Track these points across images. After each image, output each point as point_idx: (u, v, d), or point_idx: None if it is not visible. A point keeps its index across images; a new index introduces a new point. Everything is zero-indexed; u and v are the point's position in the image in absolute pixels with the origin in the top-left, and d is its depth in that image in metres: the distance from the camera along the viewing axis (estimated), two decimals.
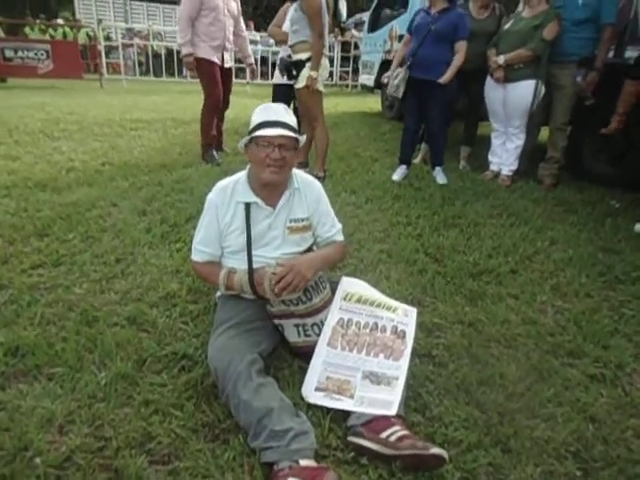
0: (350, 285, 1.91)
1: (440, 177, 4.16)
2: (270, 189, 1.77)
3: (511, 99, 3.98)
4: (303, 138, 1.78)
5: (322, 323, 1.78)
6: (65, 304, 2.06)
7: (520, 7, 4.74)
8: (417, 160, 4.81)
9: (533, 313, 2.25)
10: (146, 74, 13.23)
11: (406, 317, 1.83)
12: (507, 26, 4.00)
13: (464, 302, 2.31)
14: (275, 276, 1.65)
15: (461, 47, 3.79)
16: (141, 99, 8.67)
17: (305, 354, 1.78)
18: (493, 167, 4.39)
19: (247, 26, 15.43)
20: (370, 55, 8.01)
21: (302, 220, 1.85)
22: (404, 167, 4.28)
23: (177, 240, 2.70)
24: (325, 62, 3.61)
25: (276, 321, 1.81)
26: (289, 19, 3.56)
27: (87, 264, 2.39)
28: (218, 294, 1.97)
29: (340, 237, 1.95)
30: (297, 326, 1.79)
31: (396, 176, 4.20)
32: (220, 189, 1.80)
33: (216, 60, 4.27)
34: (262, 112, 1.73)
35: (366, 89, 8.66)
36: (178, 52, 14.06)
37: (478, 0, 4.23)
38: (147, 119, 6.29)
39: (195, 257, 1.84)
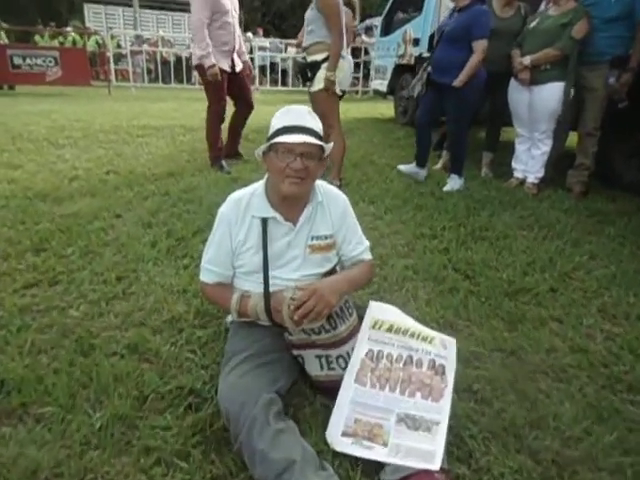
0: (379, 311, 1.67)
1: (449, 185, 3.90)
2: (290, 203, 1.56)
3: (537, 102, 3.75)
4: (329, 146, 1.56)
5: (349, 355, 1.55)
6: (59, 329, 1.85)
7: (542, 6, 4.54)
8: (438, 166, 4.59)
9: (581, 339, 2.01)
10: (155, 81, 13.14)
11: (444, 349, 1.59)
12: (532, 25, 3.77)
13: (502, 326, 2.07)
14: (295, 302, 1.43)
15: (478, 46, 3.49)
16: (149, 106, 8.53)
17: (329, 390, 1.55)
18: (517, 174, 4.15)
19: (255, 33, 15.37)
20: (383, 60, 7.81)
21: (325, 238, 1.63)
22: (413, 166, 4.18)
23: (184, 255, 2.49)
24: (343, 64, 3.40)
25: (295, 352, 1.58)
26: (305, 18, 3.36)
27: (85, 283, 2.18)
28: (229, 319, 1.76)
29: (368, 256, 1.73)
30: (319, 358, 1.57)
31: (402, 167, 4.16)
32: (233, 202, 1.59)
33: (226, 67, 4.01)
34: (283, 116, 1.51)
35: (379, 94, 8.46)
36: (187, 59, 14.11)
37: None
38: (155, 126, 6.12)
39: (204, 278, 1.63)
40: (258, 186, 1.61)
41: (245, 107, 4.43)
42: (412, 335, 1.61)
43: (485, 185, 4.06)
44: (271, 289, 1.53)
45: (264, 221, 1.55)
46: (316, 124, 1.52)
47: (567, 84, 3.64)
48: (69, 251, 2.47)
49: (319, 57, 3.36)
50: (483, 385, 1.70)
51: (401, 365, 1.54)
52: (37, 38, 13.87)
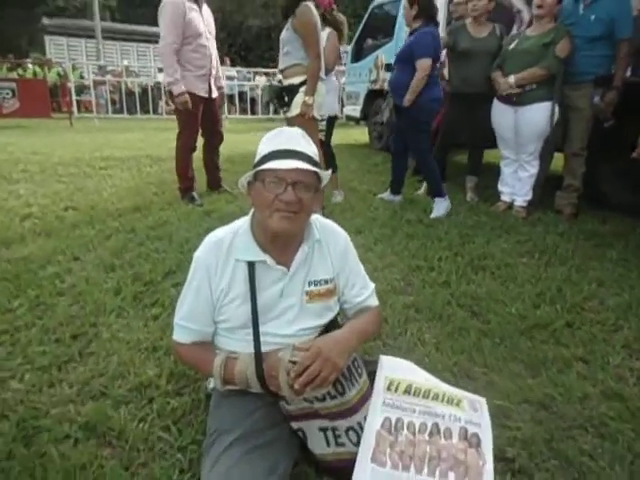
0: (393, 367, 1.39)
1: (435, 210, 3.74)
2: (282, 242, 1.28)
3: (524, 124, 3.62)
4: (327, 174, 1.29)
5: (361, 427, 1.26)
6: None
7: (514, 29, 4.52)
8: (421, 192, 4.42)
9: (612, 382, 1.77)
10: (119, 112, 12.77)
11: (475, 412, 1.31)
12: (512, 46, 3.69)
13: (524, 371, 1.82)
14: (295, 367, 1.14)
15: (420, 65, 3.51)
16: (113, 137, 8.17)
17: (338, 471, 1.27)
18: (505, 197, 3.99)
19: (223, 62, 15.35)
20: (355, 86, 7.73)
21: (325, 282, 1.36)
22: (387, 193, 4.19)
23: (153, 303, 2.16)
24: (321, 87, 3.19)
25: (295, 424, 1.28)
26: (281, 39, 3.15)
27: (34, 343, 1.82)
28: (211, 384, 1.44)
29: (374, 301, 1.47)
30: (325, 431, 1.27)
31: (381, 195, 4.18)
32: (212, 244, 1.30)
33: (202, 93, 3.74)
34: (272, 139, 1.25)
35: (351, 120, 8.36)
36: (152, 89, 13.84)
37: (472, 16, 3.94)
38: (119, 157, 5.77)
39: (178, 337, 1.32)
40: (242, 223, 1.33)
41: (215, 137, 4.14)
42: (435, 397, 1.33)
43: (473, 210, 3.88)
44: (263, 348, 1.25)
45: (251, 265, 1.27)
46: (311, 149, 1.25)
47: (554, 103, 3.53)
48: (15, 304, 2.10)
49: (296, 80, 3.14)
50: (518, 450, 1.43)
51: (426, 436, 1.25)
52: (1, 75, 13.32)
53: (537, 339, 2.03)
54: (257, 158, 1.25)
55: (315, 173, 1.22)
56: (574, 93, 3.55)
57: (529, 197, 3.84)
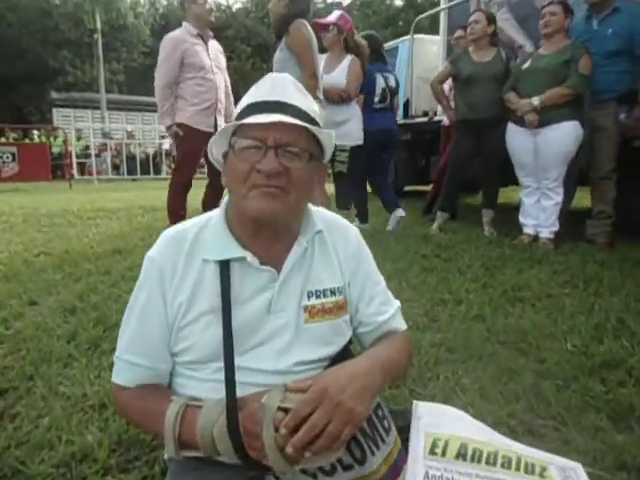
0: (434, 419, 0.93)
1: (391, 222, 3.94)
2: (267, 235, 0.88)
3: (546, 146, 3.28)
4: (329, 135, 0.88)
5: None
6: None
7: (525, 51, 4.33)
8: (434, 227, 4.03)
9: None
10: (120, 174, 12.79)
11: None
12: (526, 65, 3.43)
13: (606, 423, 1.33)
14: (288, 417, 0.72)
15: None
16: (110, 194, 7.96)
17: None
18: (528, 230, 3.58)
19: None
20: None
21: (332, 293, 0.93)
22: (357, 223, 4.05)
23: (112, 350, 1.68)
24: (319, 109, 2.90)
25: None
26: (274, 61, 2.90)
27: None
28: (167, 456, 0.96)
29: (401, 323, 1.03)
30: None
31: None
32: (169, 239, 0.89)
33: (204, 127, 3.44)
34: (254, 90, 0.89)
35: None
36: (155, 155, 13.96)
37: (472, 41, 3.80)
38: (110, 208, 5.47)
39: (118, 378, 0.89)
40: (212, 214, 0.93)
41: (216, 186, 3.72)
42: (506, 463, 0.86)
43: (494, 243, 3.46)
44: (240, 391, 0.80)
45: (224, 266, 0.85)
46: (305, 101, 0.86)
47: (581, 122, 3.22)
48: None
49: None
50: None
51: None
52: (3, 140, 13.52)
53: (611, 381, 1.54)
54: (233, 116, 0.88)
55: (310, 134, 0.83)
56: (597, 112, 3.25)
57: (556, 228, 3.43)
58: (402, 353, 0.95)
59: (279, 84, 0.87)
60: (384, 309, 0.99)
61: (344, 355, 0.95)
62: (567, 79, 3.15)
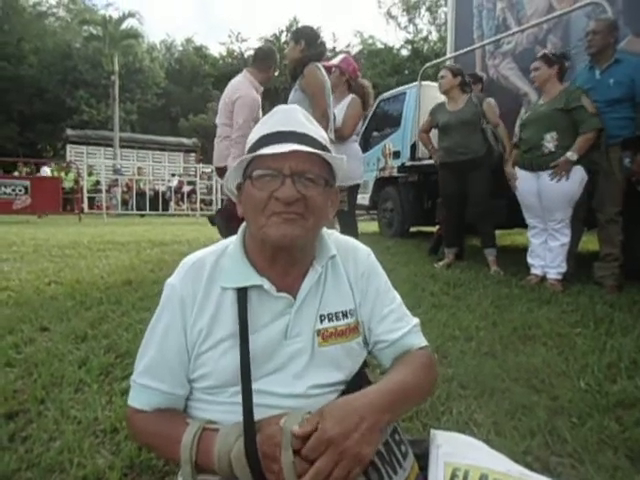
0: (452, 448, 0.92)
1: None
2: (285, 261, 0.89)
3: (551, 189, 3.34)
4: (341, 160, 0.90)
5: None
6: None
7: (522, 113, 4.47)
8: (441, 263, 4.08)
9: None
10: (129, 209, 12.98)
11: None
12: (525, 117, 3.59)
13: (625, 463, 1.31)
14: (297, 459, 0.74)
15: None
16: (119, 229, 8.06)
17: None
18: (536, 270, 3.59)
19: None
20: (363, 174, 7.74)
21: (343, 316, 0.94)
22: None
23: (125, 377, 1.69)
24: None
25: None
26: (289, 102, 3.02)
27: None
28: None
29: (420, 340, 1.00)
30: None
31: None
32: (189, 268, 0.91)
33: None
34: (264, 122, 0.92)
35: (361, 209, 8.25)
36: (164, 193, 14.20)
37: (442, 93, 4.17)
38: (120, 241, 5.54)
39: (135, 401, 0.88)
40: (229, 242, 0.95)
41: None
42: None
43: (502, 283, 3.46)
44: (256, 415, 0.81)
45: (242, 293, 0.87)
46: (316, 130, 0.90)
47: (585, 166, 3.30)
48: None
49: None
50: None
51: None
52: (16, 173, 13.84)
53: (627, 420, 1.52)
54: (246, 150, 0.91)
55: (323, 161, 0.86)
56: (602, 157, 3.32)
57: (563, 269, 3.44)
58: (420, 375, 0.93)
59: (291, 115, 0.89)
60: (398, 326, 0.97)
61: (359, 380, 0.95)
62: (580, 124, 3.24)
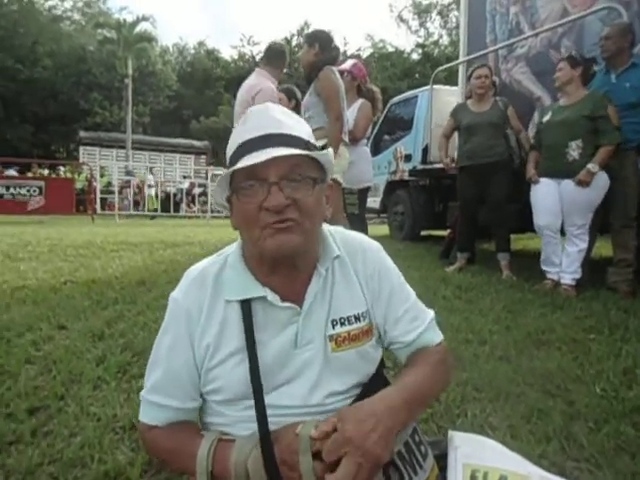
0: (470, 449, 0.93)
1: None
2: (286, 269, 0.86)
3: (573, 194, 3.32)
4: (328, 154, 0.85)
5: None
6: None
7: (535, 116, 4.47)
8: (452, 268, 4.08)
9: None
10: (141, 211, 13.11)
11: None
12: (546, 118, 3.54)
13: None
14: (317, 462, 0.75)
15: None
16: (132, 230, 8.13)
17: None
18: (552, 276, 3.56)
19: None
20: (374, 178, 7.74)
21: (356, 319, 0.91)
22: None
23: (142, 375, 1.71)
24: (343, 150, 3.01)
25: None
26: (303, 104, 3.05)
27: None
28: None
29: (436, 336, 0.98)
30: None
31: None
32: (192, 281, 0.89)
33: None
34: (239, 128, 0.86)
35: (372, 213, 8.26)
36: (175, 195, 14.33)
37: (477, 94, 4.07)
38: (132, 242, 5.59)
39: (147, 418, 0.87)
40: (229, 252, 0.92)
41: None
42: None
43: (515, 287, 3.45)
44: (272, 425, 0.81)
45: (246, 306, 0.85)
46: (296, 124, 0.85)
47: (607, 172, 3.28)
48: None
49: (318, 143, 2.96)
50: None
51: None
52: (30, 174, 14.03)
53: None
54: (227, 157, 0.88)
55: (308, 158, 0.81)
56: (617, 162, 3.30)
57: (578, 275, 3.41)
58: (436, 372, 0.92)
59: (265, 116, 0.84)
60: (414, 325, 0.95)
61: (376, 381, 0.93)
62: (602, 135, 3.21)
